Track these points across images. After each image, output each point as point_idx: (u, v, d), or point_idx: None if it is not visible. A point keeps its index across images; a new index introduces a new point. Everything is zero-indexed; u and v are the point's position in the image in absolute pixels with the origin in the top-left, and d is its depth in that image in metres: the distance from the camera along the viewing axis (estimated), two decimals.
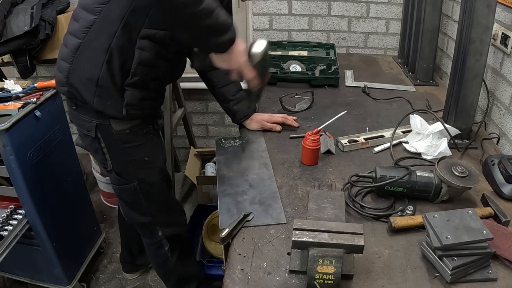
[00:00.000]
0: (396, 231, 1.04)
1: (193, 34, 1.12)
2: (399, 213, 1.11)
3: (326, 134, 1.41)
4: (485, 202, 1.12)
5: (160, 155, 1.48)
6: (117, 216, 2.01)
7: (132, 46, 1.22)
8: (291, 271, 0.93)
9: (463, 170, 1.10)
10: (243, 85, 1.39)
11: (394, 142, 1.44)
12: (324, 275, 0.82)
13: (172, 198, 1.66)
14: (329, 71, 2.02)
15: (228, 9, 1.38)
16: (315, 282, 0.83)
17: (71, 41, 1.24)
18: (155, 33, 1.22)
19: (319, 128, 1.34)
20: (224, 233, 1.01)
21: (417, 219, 1.04)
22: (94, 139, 1.35)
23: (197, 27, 1.09)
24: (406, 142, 1.45)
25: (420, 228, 1.03)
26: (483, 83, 1.45)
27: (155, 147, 1.43)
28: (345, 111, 1.50)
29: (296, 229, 0.86)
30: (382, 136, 1.49)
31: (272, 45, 2.45)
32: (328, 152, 1.37)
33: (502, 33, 1.48)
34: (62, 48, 1.29)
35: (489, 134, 1.55)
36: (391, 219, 1.05)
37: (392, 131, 1.47)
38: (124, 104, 1.26)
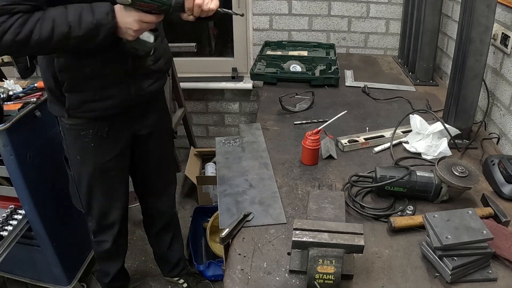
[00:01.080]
0: (396, 231, 1.04)
1: (80, 48, 1.16)
2: (399, 213, 1.11)
3: (326, 134, 1.41)
4: (485, 202, 1.12)
5: (94, 159, 1.42)
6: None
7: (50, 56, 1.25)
8: (291, 271, 0.93)
9: (463, 170, 1.10)
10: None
11: (394, 142, 1.44)
12: (324, 275, 0.82)
13: (102, 205, 1.56)
14: (329, 71, 2.02)
15: None
16: (315, 282, 0.83)
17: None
18: None
19: (319, 128, 1.34)
20: (224, 233, 1.01)
21: (417, 219, 1.04)
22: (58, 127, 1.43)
23: (67, 48, 1.16)
24: (406, 142, 1.45)
25: (420, 228, 1.03)
26: (483, 83, 1.45)
27: (88, 150, 1.40)
28: (345, 111, 1.50)
29: (296, 229, 0.86)
30: (382, 136, 1.49)
31: (272, 45, 2.45)
32: (330, 157, 1.37)
33: (502, 33, 1.48)
34: None
35: (489, 134, 1.55)
36: (391, 219, 1.05)
37: (392, 131, 1.47)
38: (66, 109, 1.30)
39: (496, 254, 0.94)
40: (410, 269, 0.94)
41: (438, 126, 1.38)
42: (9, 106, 1.54)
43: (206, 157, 2.80)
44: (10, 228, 1.58)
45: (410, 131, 1.46)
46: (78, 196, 1.53)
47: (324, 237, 0.83)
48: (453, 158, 1.23)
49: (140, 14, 1.12)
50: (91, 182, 1.47)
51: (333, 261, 0.82)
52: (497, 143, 1.51)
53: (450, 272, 0.88)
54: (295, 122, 1.56)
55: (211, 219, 2.16)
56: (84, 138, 1.38)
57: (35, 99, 1.60)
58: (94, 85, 1.29)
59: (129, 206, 1.72)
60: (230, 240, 1.03)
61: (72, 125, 1.36)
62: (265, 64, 2.15)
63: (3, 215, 1.62)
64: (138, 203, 1.84)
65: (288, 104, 1.72)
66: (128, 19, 1.13)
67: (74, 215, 1.91)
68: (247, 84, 2.67)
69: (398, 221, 1.04)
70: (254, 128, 1.58)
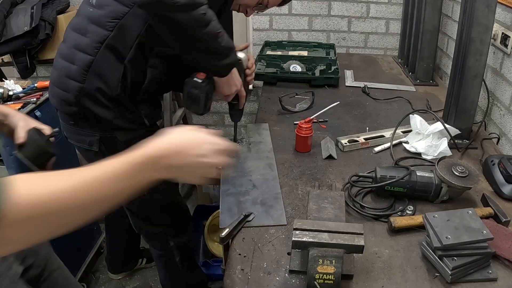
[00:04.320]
0: (396, 231, 1.04)
1: (197, 56, 1.16)
2: (399, 213, 1.11)
3: (319, 124, 1.42)
4: (485, 202, 1.12)
5: None
6: (104, 219, 1.98)
7: (144, 64, 1.22)
8: (291, 271, 0.93)
9: (463, 170, 1.10)
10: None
11: (394, 142, 1.44)
12: (324, 275, 0.82)
13: (181, 203, 1.63)
14: (329, 71, 2.02)
15: (229, 25, 1.39)
16: (315, 282, 0.83)
17: (80, 57, 1.17)
18: (167, 51, 1.22)
19: (311, 118, 1.40)
20: (224, 233, 1.01)
21: (417, 219, 1.04)
22: (98, 153, 1.27)
23: (201, 49, 1.13)
24: (406, 142, 1.45)
25: (420, 228, 1.02)
26: (483, 83, 1.45)
27: None
28: (338, 102, 1.56)
29: (296, 229, 0.86)
30: (382, 136, 1.49)
31: (272, 45, 2.45)
32: (330, 157, 1.37)
33: (502, 33, 1.48)
34: (66, 65, 1.20)
35: (489, 134, 1.55)
36: (391, 219, 1.05)
37: (392, 131, 1.47)
38: (143, 115, 1.27)
39: (496, 254, 0.94)
40: (410, 269, 0.94)
41: (438, 126, 1.38)
42: (9, 106, 1.54)
43: None
44: None
45: (410, 131, 1.46)
46: (157, 215, 1.46)
47: (324, 237, 0.84)
48: (453, 158, 1.23)
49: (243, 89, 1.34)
50: (169, 187, 1.45)
51: (333, 261, 0.82)
52: (497, 143, 1.51)
53: (450, 272, 0.88)
54: (295, 122, 1.56)
55: (210, 218, 2.15)
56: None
57: (35, 99, 1.60)
58: (161, 93, 1.34)
59: None
60: (230, 240, 1.03)
61: (136, 136, 1.12)
62: (265, 64, 2.15)
63: None
64: None
65: (288, 104, 1.72)
66: (239, 82, 1.31)
67: None
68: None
69: (398, 221, 1.04)
70: (261, 128, 1.57)
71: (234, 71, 1.26)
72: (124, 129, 1.26)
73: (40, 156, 1.12)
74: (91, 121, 1.23)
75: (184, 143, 0.75)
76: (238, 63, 1.27)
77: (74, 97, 1.19)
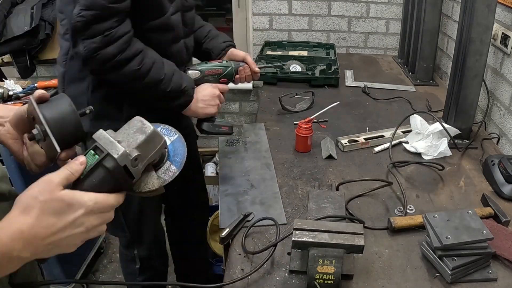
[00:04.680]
0: (396, 231, 1.04)
1: (149, 98, 1.17)
2: (399, 213, 1.11)
3: (319, 124, 1.42)
4: (485, 202, 1.12)
5: None
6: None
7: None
8: (291, 271, 0.93)
9: None
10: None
11: (394, 142, 1.44)
12: (324, 275, 0.82)
13: (153, 223, 1.54)
14: (329, 71, 2.02)
15: (190, 22, 1.33)
16: (315, 282, 0.83)
17: (58, 70, 1.24)
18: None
19: (311, 118, 1.40)
20: (224, 233, 1.01)
21: (417, 219, 1.04)
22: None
23: (148, 94, 1.15)
24: (406, 142, 1.45)
25: (420, 228, 1.02)
26: (483, 83, 1.45)
27: None
28: (338, 102, 1.55)
29: (296, 229, 0.86)
30: (382, 136, 1.49)
31: (272, 45, 2.45)
32: (330, 157, 1.37)
33: (502, 33, 1.48)
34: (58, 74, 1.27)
35: (489, 134, 1.55)
36: (391, 219, 1.05)
37: (392, 131, 1.47)
38: (124, 118, 1.26)
39: (496, 254, 0.94)
40: (410, 269, 0.94)
41: (438, 126, 1.38)
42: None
43: (206, 157, 2.80)
44: None
45: (410, 131, 1.46)
46: (124, 223, 1.42)
47: (324, 237, 0.83)
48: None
49: (216, 84, 1.26)
50: (142, 204, 1.39)
51: (333, 261, 0.82)
52: (497, 143, 1.51)
53: (450, 272, 0.88)
54: (295, 122, 1.56)
55: (211, 218, 2.15)
56: None
57: None
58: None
59: None
60: (230, 240, 1.03)
61: None
62: (265, 64, 2.15)
63: None
64: None
65: (288, 104, 1.72)
66: (206, 91, 1.25)
67: None
68: (247, 84, 2.65)
69: (398, 221, 1.04)
70: (257, 128, 1.58)
71: (203, 95, 1.25)
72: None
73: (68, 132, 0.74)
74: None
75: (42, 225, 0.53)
76: (192, 97, 1.23)
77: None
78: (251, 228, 1.05)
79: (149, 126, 0.65)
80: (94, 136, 0.62)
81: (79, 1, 0.99)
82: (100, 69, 1.07)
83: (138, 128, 0.65)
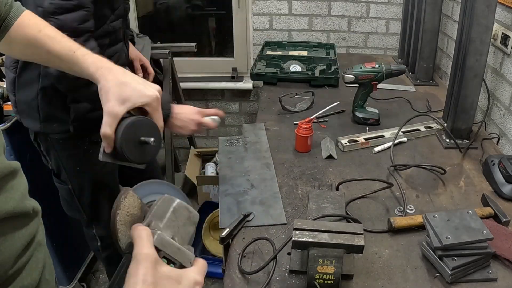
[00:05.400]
0: (396, 231, 1.04)
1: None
2: (399, 213, 1.11)
3: (319, 124, 1.42)
4: (485, 202, 1.12)
5: (95, 167, 1.37)
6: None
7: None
8: (291, 271, 0.93)
9: None
10: None
11: (394, 142, 1.44)
12: (324, 275, 0.82)
13: (109, 205, 1.49)
14: (329, 71, 2.02)
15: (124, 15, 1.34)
16: (315, 282, 0.83)
17: (7, 74, 1.27)
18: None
19: (311, 117, 1.40)
20: (224, 233, 1.00)
21: (417, 219, 1.04)
22: (34, 141, 1.37)
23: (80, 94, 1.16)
24: (406, 142, 1.45)
25: (420, 228, 1.02)
26: (483, 83, 1.44)
27: (87, 159, 1.37)
28: (338, 102, 1.57)
29: (296, 229, 0.86)
30: (382, 136, 1.49)
31: (272, 45, 2.45)
32: (330, 157, 1.37)
33: (502, 33, 1.48)
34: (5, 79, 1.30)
35: (489, 134, 1.55)
36: (391, 219, 1.05)
37: (392, 131, 1.47)
38: (70, 121, 1.27)
39: (496, 254, 0.94)
40: (410, 269, 0.94)
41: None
42: (8, 106, 1.54)
43: (206, 157, 2.80)
44: None
45: (410, 131, 1.46)
46: (80, 207, 1.48)
47: (324, 237, 0.83)
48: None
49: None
50: (95, 190, 1.44)
51: (333, 261, 0.82)
52: (497, 143, 1.51)
53: (450, 272, 0.88)
54: (295, 122, 1.56)
55: (208, 217, 2.15)
56: (82, 148, 1.35)
57: None
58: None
59: None
60: (230, 240, 1.03)
61: (66, 138, 1.32)
62: (265, 64, 2.15)
63: None
64: None
65: (288, 104, 1.72)
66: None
67: None
68: (247, 84, 2.67)
69: (398, 221, 1.04)
70: (257, 128, 1.58)
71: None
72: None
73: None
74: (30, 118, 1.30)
75: None
76: None
77: (14, 106, 1.32)
78: (251, 228, 1.05)
79: (195, 213, 0.64)
80: (156, 243, 0.56)
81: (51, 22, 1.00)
82: (74, 87, 1.10)
83: (187, 219, 0.63)
